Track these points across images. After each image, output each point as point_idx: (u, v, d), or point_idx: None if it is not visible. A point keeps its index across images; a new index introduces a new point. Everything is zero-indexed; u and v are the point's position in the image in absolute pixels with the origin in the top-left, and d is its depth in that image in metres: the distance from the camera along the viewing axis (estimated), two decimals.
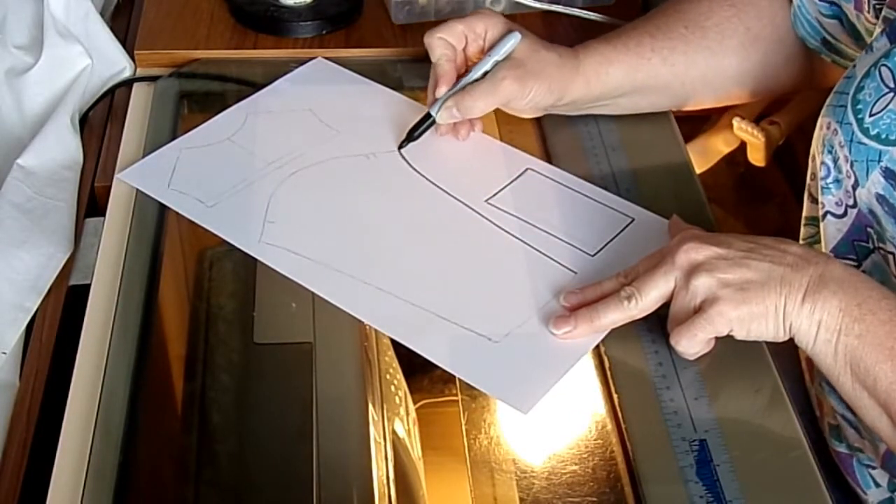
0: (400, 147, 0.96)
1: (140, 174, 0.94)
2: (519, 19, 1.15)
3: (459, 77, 0.95)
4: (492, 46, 0.95)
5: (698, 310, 0.75)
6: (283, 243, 0.87)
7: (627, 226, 0.90)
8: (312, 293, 0.84)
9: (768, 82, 0.99)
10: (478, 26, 0.95)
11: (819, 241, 0.89)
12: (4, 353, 0.81)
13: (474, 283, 0.85)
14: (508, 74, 0.92)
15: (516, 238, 0.88)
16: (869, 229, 0.82)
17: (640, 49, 0.94)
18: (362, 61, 1.09)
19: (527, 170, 0.95)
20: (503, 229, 0.89)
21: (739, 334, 0.75)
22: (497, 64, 0.93)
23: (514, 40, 0.94)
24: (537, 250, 0.87)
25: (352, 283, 0.84)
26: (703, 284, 0.75)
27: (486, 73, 0.94)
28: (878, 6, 0.86)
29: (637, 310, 0.78)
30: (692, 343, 0.76)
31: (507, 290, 0.84)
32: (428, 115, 0.95)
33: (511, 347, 0.79)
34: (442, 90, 0.94)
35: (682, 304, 0.76)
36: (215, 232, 0.89)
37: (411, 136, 0.96)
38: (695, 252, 0.76)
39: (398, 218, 0.90)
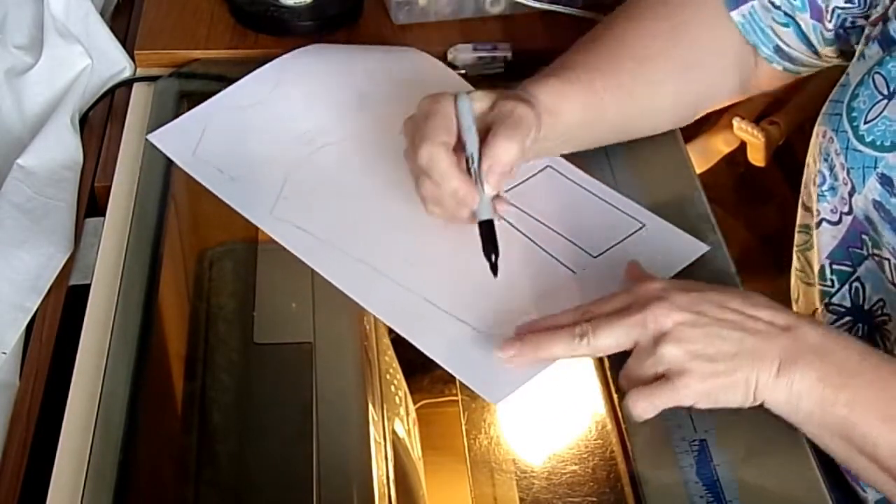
0: (495, 274, 0.80)
1: (168, 137, 0.95)
2: (519, 19, 1.15)
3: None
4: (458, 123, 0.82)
5: (661, 376, 0.72)
6: (293, 219, 0.88)
7: (636, 231, 0.89)
8: (312, 293, 0.84)
9: (706, 100, 0.96)
10: (445, 114, 0.82)
11: (811, 248, 0.89)
12: (4, 353, 0.81)
13: (471, 273, 0.84)
14: (512, 103, 0.82)
15: (521, 233, 0.88)
16: (864, 236, 0.82)
17: (592, 86, 0.89)
18: None
19: (546, 167, 0.95)
20: (510, 223, 0.89)
21: (706, 405, 0.72)
22: (473, 129, 0.81)
23: (465, 99, 0.82)
24: (540, 247, 0.87)
25: (351, 264, 0.84)
26: (670, 354, 0.71)
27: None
28: (843, 18, 0.86)
29: (587, 350, 0.74)
30: (650, 410, 0.71)
31: (503, 284, 0.84)
32: (483, 224, 0.81)
33: (495, 339, 0.79)
34: (475, 200, 0.80)
35: (644, 366, 0.72)
36: (228, 202, 0.89)
37: (491, 258, 0.80)
38: (664, 317, 0.72)
39: (408, 203, 0.90)
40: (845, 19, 0.87)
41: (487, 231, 0.81)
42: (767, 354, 0.71)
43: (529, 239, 0.88)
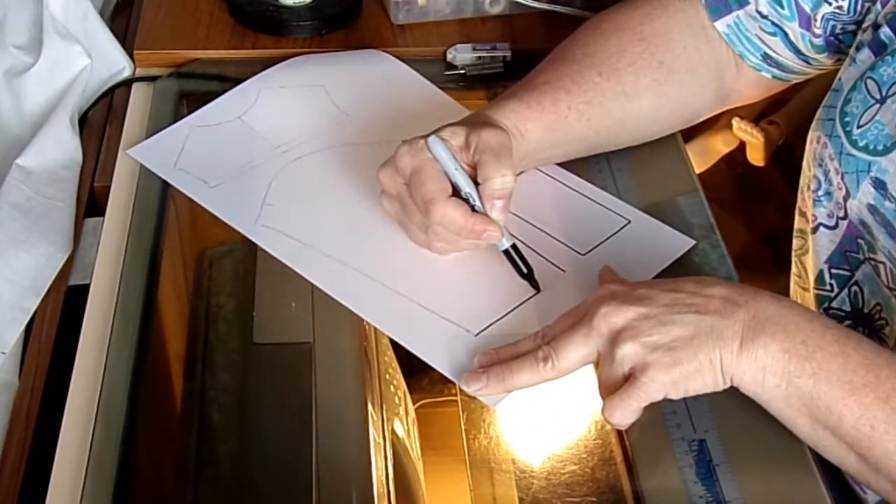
0: (538, 290, 0.83)
1: (148, 151, 0.95)
2: (518, 19, 1.15)
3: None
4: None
5: (628, 377, 0.71)
6: (279, 226, 0.88)
7: (623, 228, 0.90)
8: (312, 293, 0.84)
9: (684, 113, 0.95)
10: (432, 164, 0.82)
11: (806, 253, 0.89)
12: (4, 352, 0.81)
13: (460, 275, 0.85)
14: (483, 134, 0.82)
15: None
16: (860, 240, 0.82)
17: (556, 108, 0.88)
18: None
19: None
20: None
21: (676, 395, 0.71)
22: (459, 168, 0.82)
23: (438, 142, 0.82)
24: (528, 247, 0.87)
25: (340, 269, 0.85)
26: (628, 352, 0.70)
27: (469, 175, 0.83)
28: (833, 24, 0.86)
29: (553, 372, 0.73)
30: (627, 414, 0.70)
31: (493, 285, 0.84)
32: (511, 248, 0.83)
33: (488, 341, 0.79)
34: (498, 236, 0.82)
35: (610, 373, 0.71)
36: (213, 212, 0.90)
37: (526, 275, 0.83)
38: (614, 315, 0.71)
39: None
40: (835, 26, 0.87)
41: (516, 254, 0.83)
42: (726, 331, 0.70)
43: (517, 239, 0.88)
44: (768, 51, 0.91)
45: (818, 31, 0.87)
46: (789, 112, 1.36)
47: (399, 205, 0.85)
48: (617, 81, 0.90)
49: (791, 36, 0.89)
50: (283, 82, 1.04)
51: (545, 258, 0.87)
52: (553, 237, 0.88)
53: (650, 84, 0.91)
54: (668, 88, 0.92)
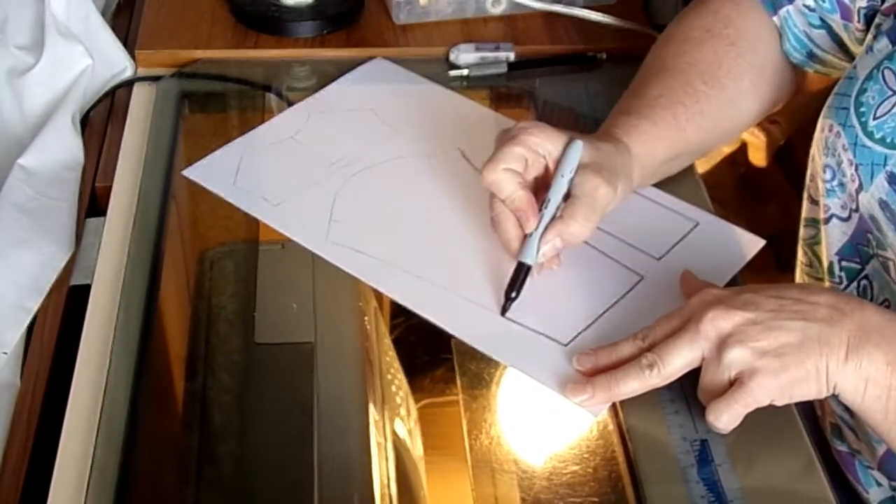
0: (503, 313, 0.81)
1: (204, 171, 0.95)
2: (520, 19, 1.15)
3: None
4: (557, 162, 0.82)
5: (733, 382, 0.71)
6: (350, 242, 0.87)
7: (692, 230, 0.89)
8: (313, 293, 0.84)
9: (767, 108, 0.96)
10: (536, 144, 0.82)
11: (819, 242, 0.89)
12: (5, 353, 0.81)
13: (540, 285, 0.84)
14: (598, 182, 0.81)
15: (586, 242, 0.88)
16: (869, 235, 0.82)
17: (677, 122, 0.89)
18: (363, 62, 1.09)
19: None
20: None
21: (781, 401, 0.71)
22: (572, 180, 0.81)
23: (579, 150, 0.81)
24: (603, 253, 0.87)
25: (419, 284, 0.84)
26: (737, 357, 0.70)
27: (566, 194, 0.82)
28: (868, 13, 0.86)
29: (659, 379, 0.73)
30: (734, 418, 0.71)
31: (575, 293, 0.83)
32: (521, 266, 0.80)
33: (580, 350, 0.78)
34: (530, 227, 0.80)
35: (715, 376, 0.71)
36: (281, 231, 0.89)
37: (510, 296, 0.80)
38: (722, 320, 0.71)
39: (463, 219, 0.90)
40: (871, 16, 0.86)
41: (521, 274, 0.80)
42: (833, 339, 0.70)
43: (591, 246, 0.87)
44: (814, 48, 0.92)
45: (860, 26, 0.87)
46: (791, 111, 1.36)
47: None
48: (721, 89, 0.91)
49: (835, 28, 0.89)
50: (331, 106, 1.03)
51: (624, 265, 0.86)
52: (628, 244, 0.88)
53: (748, 88, 0.92)
54: (763, 89, 0.93)
